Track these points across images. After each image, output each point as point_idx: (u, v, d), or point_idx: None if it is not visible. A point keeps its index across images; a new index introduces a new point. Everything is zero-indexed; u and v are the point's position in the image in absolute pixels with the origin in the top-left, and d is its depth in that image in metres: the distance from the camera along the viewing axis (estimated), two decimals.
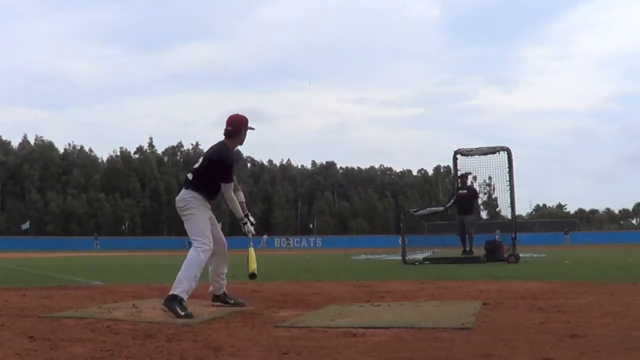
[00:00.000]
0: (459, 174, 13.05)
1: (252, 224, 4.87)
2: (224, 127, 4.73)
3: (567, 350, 2.86)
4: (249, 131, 4.81)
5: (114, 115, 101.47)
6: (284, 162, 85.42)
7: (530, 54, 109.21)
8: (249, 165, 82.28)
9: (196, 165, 4.79)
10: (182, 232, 4.66)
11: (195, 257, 4.45)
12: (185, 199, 4.65)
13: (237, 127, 4.73)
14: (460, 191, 13.03)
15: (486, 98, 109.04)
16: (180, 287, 4.35)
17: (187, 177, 4.81)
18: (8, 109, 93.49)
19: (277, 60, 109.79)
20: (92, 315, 4.33)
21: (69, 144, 74.32)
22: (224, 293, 4.92)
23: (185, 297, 4.33)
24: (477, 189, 14.23)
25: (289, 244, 56.32)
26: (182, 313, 4.17)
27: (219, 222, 4.94)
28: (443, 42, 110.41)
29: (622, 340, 3.10)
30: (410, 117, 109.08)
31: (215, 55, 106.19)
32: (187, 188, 4.70)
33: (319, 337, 3.34)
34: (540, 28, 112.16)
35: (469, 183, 13.69)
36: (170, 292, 4.34)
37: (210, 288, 4.94)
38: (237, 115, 4.79)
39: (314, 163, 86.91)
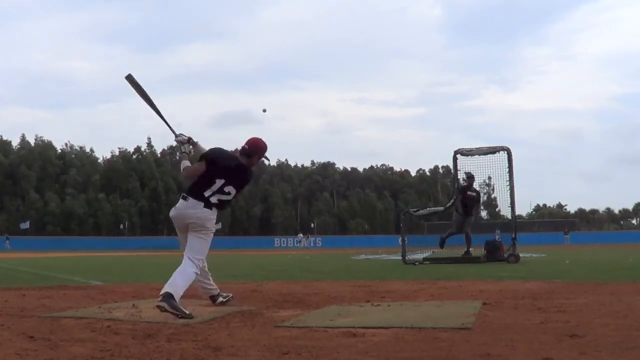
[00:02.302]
0: (467, 176, 13.07)
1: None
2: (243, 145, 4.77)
3: (567, 350, 2.86)
4: (263, 160, 4.91)
5: (115, 116, 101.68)
6: (283, 162, 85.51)
7: (532, 54, 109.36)
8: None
9: (229, 196, 4.69)
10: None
11: (190, 273, 4.49)
12: (212, 219, 4.63)
13: (253, 149, 4.74)
14: (469, 192, 13.06)
15: (487, 98, 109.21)
16: (175, 289, 4.31)
17: (205, 195, 4.59)
18: (8, 108, 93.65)
19: (277, 61, 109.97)
20: (92, 315, 4.33)
21: (66, 144, 74.30)
22: (213, 295, 4.98)
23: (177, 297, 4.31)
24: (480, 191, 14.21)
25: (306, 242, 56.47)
26: (186, 314, 4.13)
27: (217, 223, 4.95)
28: (444, 42, 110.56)
29: (622, 340, 3.10)
30: (411, 117, 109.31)
31: (217, 55, 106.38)
32: (209, 208, 4.59)
33: (319, 337, 3.34)
34: (542, 28, 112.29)
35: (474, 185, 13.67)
36: (166, 290, 4.25)
37: (203, 295, 4.99)
38: (259, 140, 4.83)
39: (313, 163, 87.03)
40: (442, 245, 13.25)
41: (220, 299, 4.97)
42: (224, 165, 4.66)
